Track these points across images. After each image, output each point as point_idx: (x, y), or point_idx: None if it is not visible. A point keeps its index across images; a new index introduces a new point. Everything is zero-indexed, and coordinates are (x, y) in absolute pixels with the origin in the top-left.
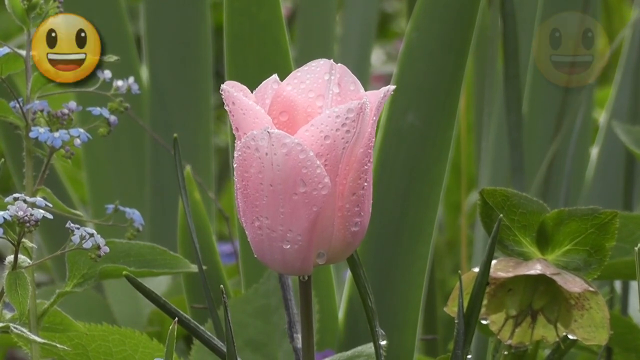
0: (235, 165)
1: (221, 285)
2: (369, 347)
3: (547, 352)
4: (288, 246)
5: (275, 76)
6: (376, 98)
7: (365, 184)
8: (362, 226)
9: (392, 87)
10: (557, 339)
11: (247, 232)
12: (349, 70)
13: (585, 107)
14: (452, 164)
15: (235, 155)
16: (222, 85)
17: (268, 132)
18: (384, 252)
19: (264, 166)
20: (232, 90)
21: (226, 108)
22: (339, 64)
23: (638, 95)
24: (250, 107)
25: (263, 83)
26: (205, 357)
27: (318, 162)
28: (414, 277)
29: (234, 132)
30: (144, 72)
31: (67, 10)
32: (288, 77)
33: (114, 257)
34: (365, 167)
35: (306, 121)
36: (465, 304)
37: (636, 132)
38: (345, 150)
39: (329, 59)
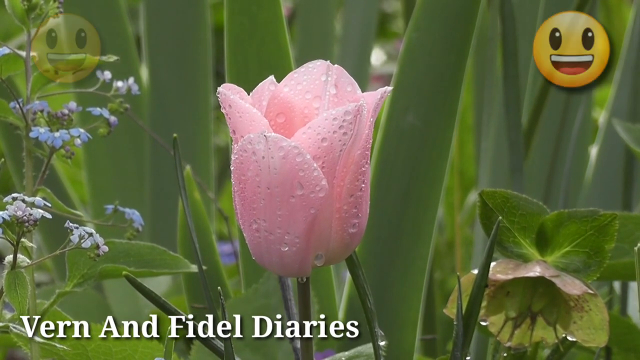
0: (232, 168)
1: (219, 288)
2: (368, 347)
3: (546, 352)
4: (286, 248)
5: (272, 77)
6: (373, 99)
7: (363, 185)
8: (360, 227)
9: (389, 88)
10: (557, 341)
11: (244, 235)
12: (345, 72)
13: (585, 107)
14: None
15: (233, 158)
16: (218, 88)
17: (265, 135)
18: (383, 252)
19: (261, 169)
20: (229, 92)
21: (223, 111)
22: (336, 65)
23: (638, 95)
24: (247, 110)
25: (260, 85)
26: (205, 357)
27: (315, 165)
28: (413, 277)
29: (230, 134)
30: (144, 72)
31: (67, 10)
32: (285, 78)
33: (114, 257)
34: (363, 168)
35: (303, 122)
36: (464, 306)
37: (637, 131)
38: (342, 153)
39: (329, 59)
